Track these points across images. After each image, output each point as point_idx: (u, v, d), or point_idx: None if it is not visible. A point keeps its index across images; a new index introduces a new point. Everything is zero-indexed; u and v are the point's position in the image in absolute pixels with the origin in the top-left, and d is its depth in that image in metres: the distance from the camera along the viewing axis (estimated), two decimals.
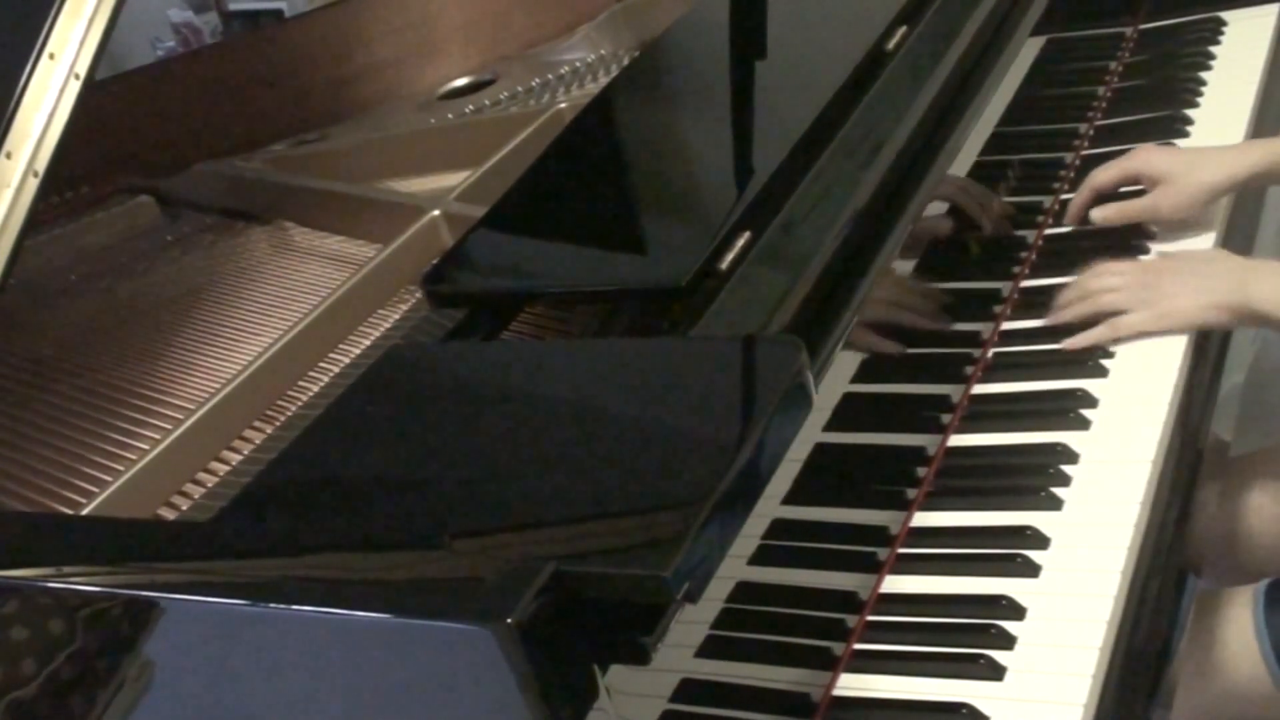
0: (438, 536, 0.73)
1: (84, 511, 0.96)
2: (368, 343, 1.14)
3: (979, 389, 1.21)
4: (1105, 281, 1.22)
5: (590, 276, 1.06)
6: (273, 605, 0.71)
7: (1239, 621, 1.16)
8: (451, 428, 0.86)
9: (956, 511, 1.09)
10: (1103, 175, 1.35)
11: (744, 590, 0.94)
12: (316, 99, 1.65)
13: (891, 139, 1.13)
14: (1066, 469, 1.10)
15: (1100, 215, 1.33)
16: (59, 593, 0.81)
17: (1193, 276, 1.20)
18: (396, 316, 1.17)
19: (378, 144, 1.52)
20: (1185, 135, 1.49)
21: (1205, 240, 1.31)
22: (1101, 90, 1.62)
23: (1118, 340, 1.19)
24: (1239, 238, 1.37)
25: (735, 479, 0.72)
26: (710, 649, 0.92)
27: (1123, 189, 1.36)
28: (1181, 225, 1.32)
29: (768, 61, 1.32)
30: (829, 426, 1.07)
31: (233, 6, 3.01)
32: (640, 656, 0.70)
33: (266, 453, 1.03)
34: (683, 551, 0.67)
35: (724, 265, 0.98)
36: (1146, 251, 1.32)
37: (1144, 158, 1.34)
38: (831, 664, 0.98)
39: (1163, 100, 1.56)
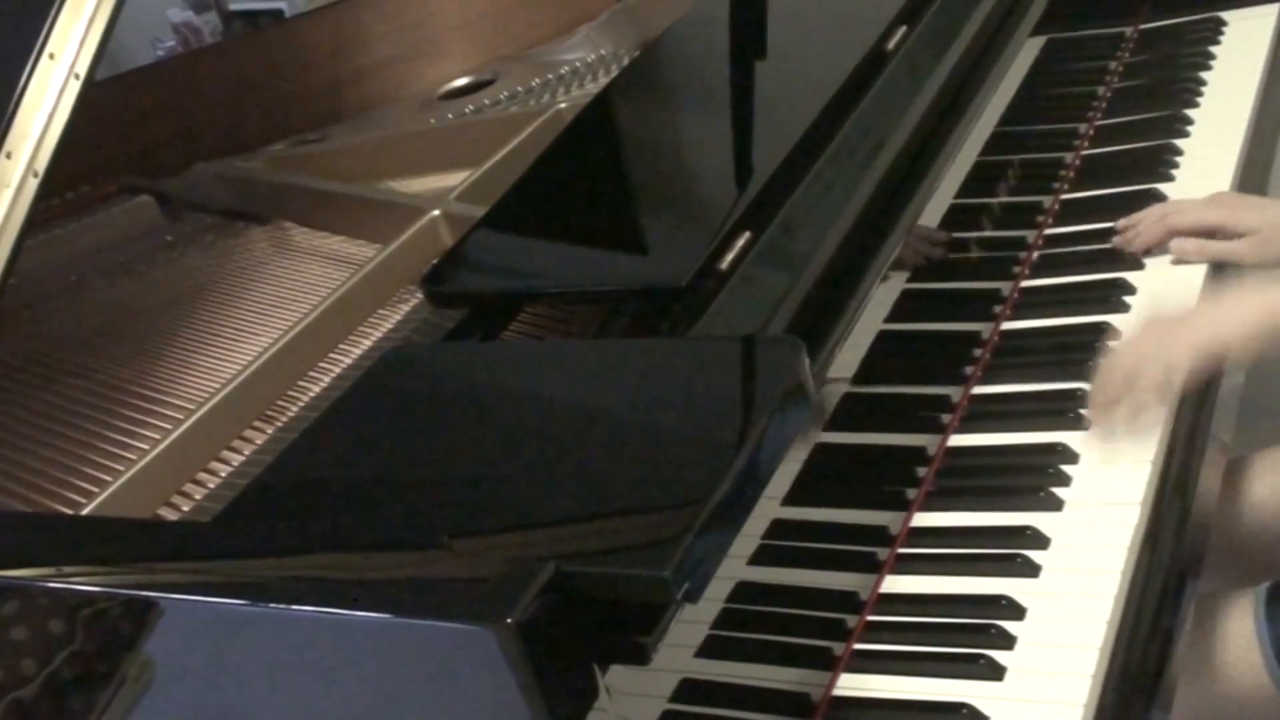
0: (438, 536, 0.73)
1: (84, 511, 0.96)
2: (368, 343, 1.14)
3: (979, 389, 1.21)
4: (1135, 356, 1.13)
5: (590, 276, 1.06)
6: (273, 605, 0.71)
7: (1239, 624, 1.15)
8: (451, 428, 0.86)
9: (956, 512, 1.09)
10: (1182, 220, 1.29)
11: (744, 590, 0.94)
12: (316, 99, 1.65)
13: (891, 139, 1.13)
14: (1066, 469, 1.09)
15: (1179, 249, 1.28)
16: (59, 593, 0.81)
17: (1216, 304, 1.16)
18: (397, 317, 1.17)
19: (378, 144, 1.52)
20: (1185, 135, 1.49)
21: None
22: (1101, 90, 1.62)
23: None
24: None
25: (735, 479, 0.72)
26: (710, 649, 0.92)
27: None
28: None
29: (768, 62, 1.32)
30: (829, 426, 1.07)
31: (233, 6, 3.01)
32: (640, 656, 0.70)
33: (267, 453, 1.03)
34: (683, 551, 0.67)
35: (724, 265, 0.98)
36: (1147, 250, 1.32)
37: (1232, 214, 1.28)
38: (831, 664, 0.98)
39: (1163, 100, 1.56)
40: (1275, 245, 1.26)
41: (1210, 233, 1.28)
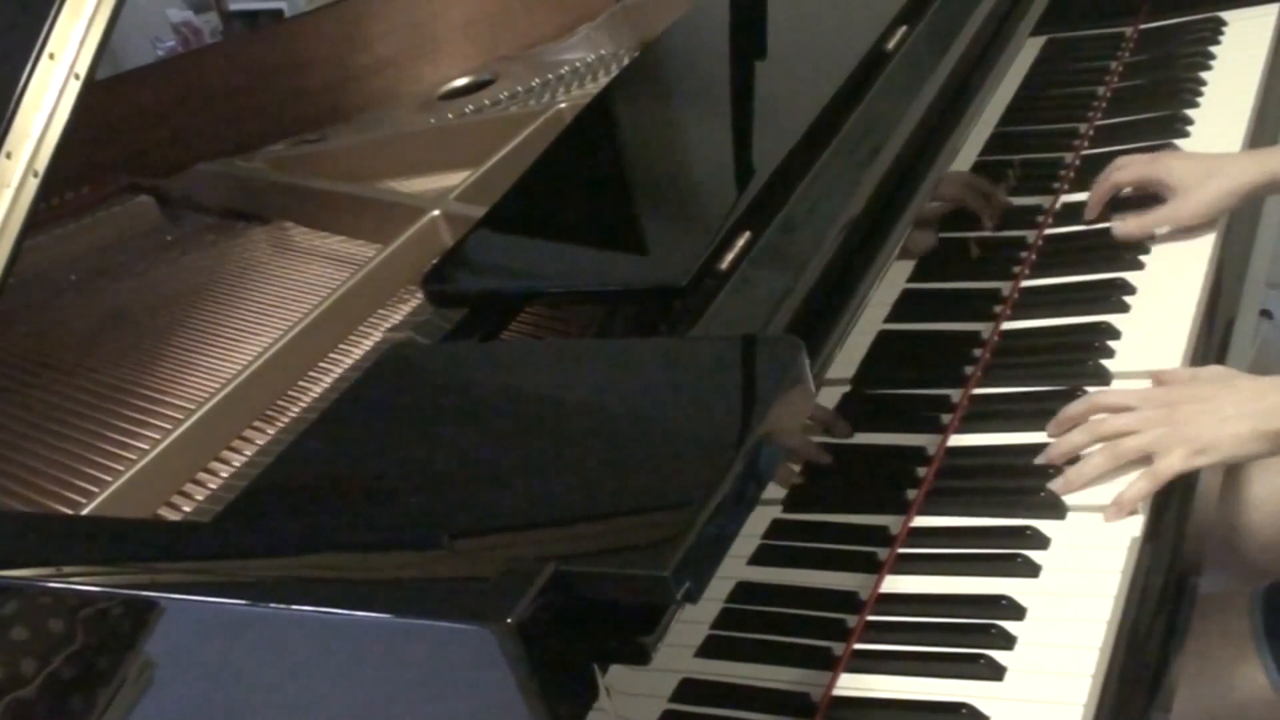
0: (438, 536, 0.73)
1: (84, 511, 0.96)
2: (368, 343, 1.14)
3: (979, 389, 1.21)
4: (1119, 423, 1.09)
5: (590, 276, 1.06)
6: (273, 605, 0.71)
7: (1239, 624, 1.15)
8: (451, 428, 0.86)
9: (957, 512, 1.09)
10: (1123, 174, 1.36)
11: (744, 590, 0.94)
12: (316, 99, 1.65)
13: (891, 139, 1.13)
14: (1067, 469, 1.09)
15: (1123, 230, 1.32)
16: (59, 593, 0.81)
17: (1221, 403, 1.08)
18: (397, 317, 1.17)
19: (378, 144, 1.52)
20: (1185, 135, 1.49)
21: (1205, 241, 1.31)
22: (1101, 90, 1.62)
23: (1158, 488, 1.06)
24: (1239, 238, 1.37)
25: (735, 479, 0.72)
26: (710, 649, 0.92)
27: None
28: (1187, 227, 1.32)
29: (768, 61, 1.32)
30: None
31: (233, 6, 3.01)
32: (640, 656, 0.70)
33: (267, 454, 1.03)
34: (683, 551, 0.67)
35: (724, 265, 0.98)
36: (1146, 250, 1.32)
37: (1165, 166, 1.34)
38: (831, 664, 0.98)
39: (1163, 100, 1.56)
40: (1204, 200, 1.30)
41: (1152, 189, 1.34)
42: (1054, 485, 1.08)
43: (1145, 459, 1.07)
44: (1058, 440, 1.11)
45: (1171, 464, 1.06)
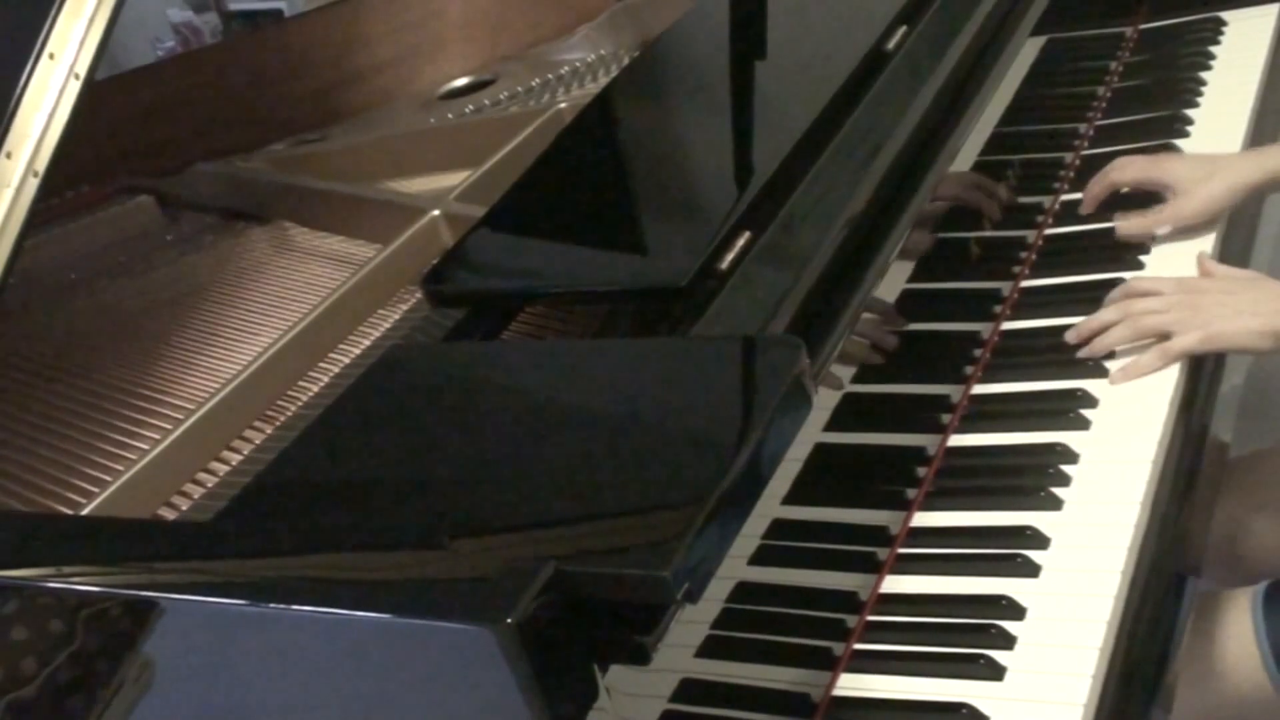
0: (438, 536, 0.73)
1: (84, 511, 0.96)
2: (368, 343, 1.14)
3: (979, 389, 1.21)
4: (1147, 303, 1.19)
5: (590, 277, 1.06)
6: (273, 605, 0.71)
7: (1239, 624, 1.15)
8: (451, 428, 0.86)
9: (956, 511, 1.09)
10: (1123, 173, 1.36)
11: (744, 590, 0.94)
12: (316, 99, 1.65)
13: (891, 139, 1.13)
14: (1066, 469, 1.10)
15: (1126, 229, 1.33)
16: (59, 593, 0.81)
17: (1242, 298, 1.17)
18: (396, 316, 1.17)
19: (378, 144, 1.52)
20: (1185, 135, 1.49)
21: (1205, 240, 1.31)
22: (1101, 90, 1.62)
23: (1167, 365, 1.16)
24: (1239, 237, 1.37)
25: (735, 479, 0.72)
26: (710, 649, 0.92)
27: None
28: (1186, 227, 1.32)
29: (768, 61, 1.32)
30: (829, 426, 1.07)
31: (233, 6, 3.02)
32: (640, 656, 0.70)
33: (267, 453, 1.03)
34: (683, 551, 0.67)
35: (724, 265, 0.98)
36: (1147, 250, 1.32)
37: (1165, 166, 1.35)
38: (831, 664, 0.98)
39: (1163, 100, 1.56)
40: (1206, 199, 1.31)
41: (1152, 189, 1.35)
42: (1081, 352, 1.19)
43: (1164, 337, 1.17)
44: (1091, 316, 1.21)
45: (1183, 344, 1.16)
